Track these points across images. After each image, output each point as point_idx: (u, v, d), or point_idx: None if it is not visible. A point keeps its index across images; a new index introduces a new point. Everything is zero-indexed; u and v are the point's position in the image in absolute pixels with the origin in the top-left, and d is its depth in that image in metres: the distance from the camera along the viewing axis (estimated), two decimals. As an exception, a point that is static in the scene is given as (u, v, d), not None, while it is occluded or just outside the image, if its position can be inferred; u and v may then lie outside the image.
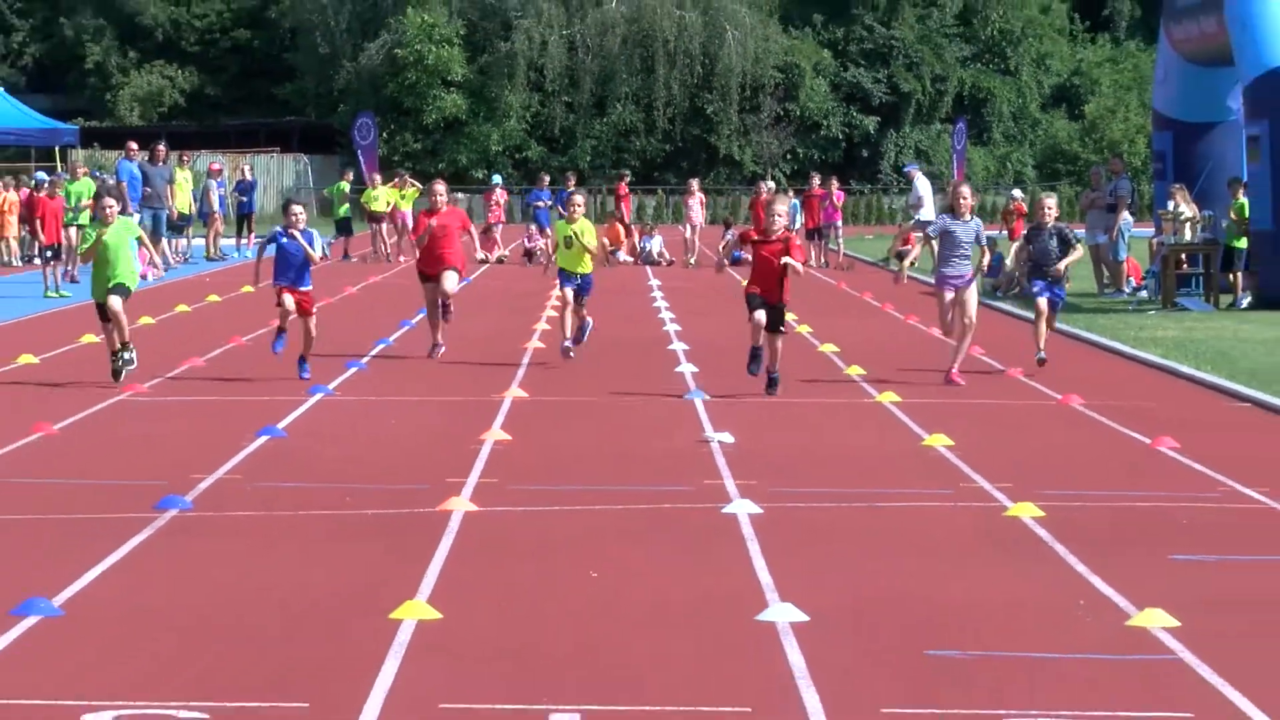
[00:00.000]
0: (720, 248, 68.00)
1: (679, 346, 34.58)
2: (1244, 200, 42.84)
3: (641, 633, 13.33)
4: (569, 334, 29.83)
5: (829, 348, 33.84)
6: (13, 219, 59.38)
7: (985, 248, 29.07)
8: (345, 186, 69.09)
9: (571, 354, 29.77)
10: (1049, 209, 30.08)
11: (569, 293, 29.65)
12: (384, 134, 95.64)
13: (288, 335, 28.15)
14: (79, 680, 11.86)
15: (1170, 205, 45.39)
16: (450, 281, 31.36)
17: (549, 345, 31.30)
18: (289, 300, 27.65)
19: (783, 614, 13.70)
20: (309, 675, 12.03)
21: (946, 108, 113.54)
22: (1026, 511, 17.80)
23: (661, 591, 14.70)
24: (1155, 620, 13.52)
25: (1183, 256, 44.85)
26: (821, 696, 11.59)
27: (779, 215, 26.54)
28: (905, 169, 74.12)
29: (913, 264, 37.54)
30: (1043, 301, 29.16)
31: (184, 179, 62.82)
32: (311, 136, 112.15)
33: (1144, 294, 46.18)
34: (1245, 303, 42.61)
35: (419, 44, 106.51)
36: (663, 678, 12.06)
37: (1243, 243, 43.15)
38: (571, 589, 14.77)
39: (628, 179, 71.67)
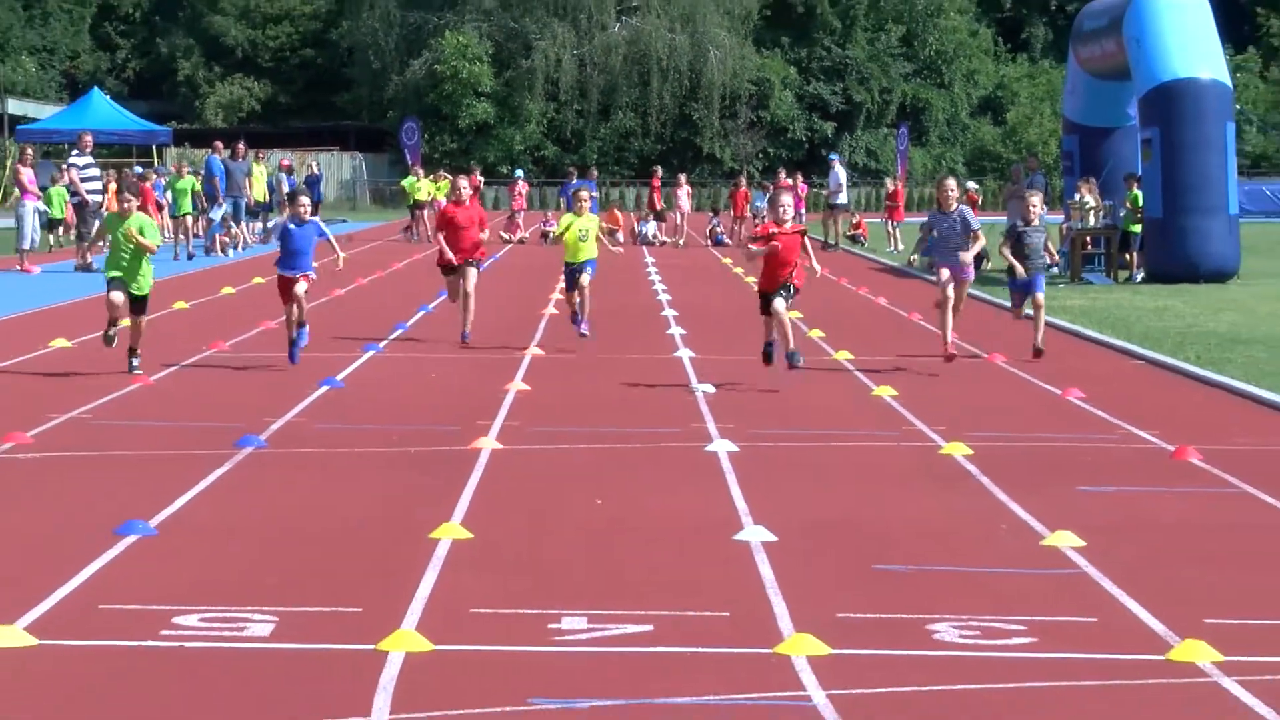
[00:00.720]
0: (707, 231, 68.25)
1: (669, 313, 34.56)
2: (1138, 193, 42.98)
3: (638, 549, 13.32)
4: (584, 315, 26.92)
5: (794, 314, 33.76)
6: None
7: (977, 233, 24.79)
8: (413, 179, 69.42)
9: (588, 334, 26.83)
10: (1035, 207, 26.02)
11: (574, 284, 26.90)
12: (426, 135, 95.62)
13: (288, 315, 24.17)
14: (170, 589, 11.85)
15: (1077, 196, 45.54)
16: (471, 281, 27.57)
17: (563, 312, 30.95)
18: (291, 310, 23.96)
19: (755, 534, 13.69)
20: (362, 585, 12.02)
21: (891, 115, 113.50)
22: (958, 450, 17.80)
23: (655, 515, 14.69)
24: (1065, 540, 13.51)
25: (1088, 239, 45.04)
26: (788, 603, 11.58)
27: (785, 205, 22.82)
28: (829, 157, 74.03)
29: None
30: (1040, 296, 25.38)
31: (260, 172, 63.22)
32: (365, 137, 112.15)
33: (1055, 270, 46.22)
34: (1139, 278, 42.71)
35: (455, 61, 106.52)
36: (656, 586, 12.05)
37: (1137, 228, 43.30)
38: (580, 513, 14.75)
39: (660, 173, 71.90)
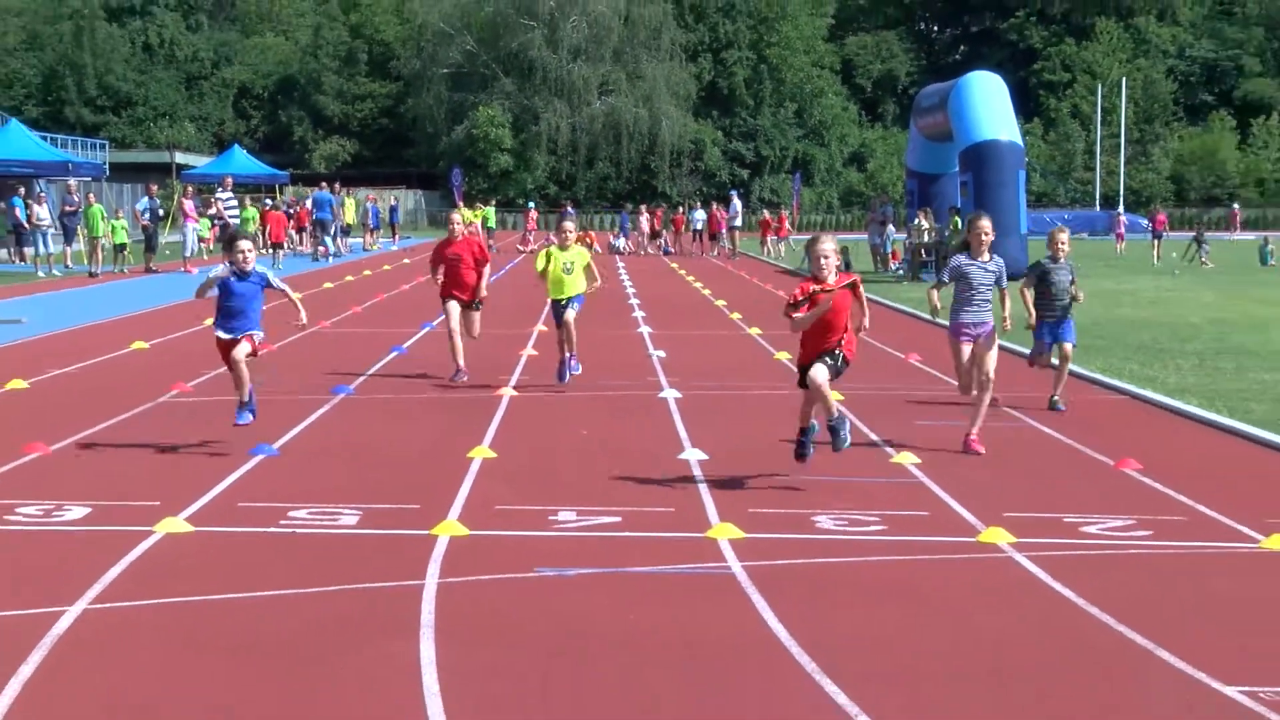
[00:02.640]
0: (659, 245, 68.23)
1: (634, 301, 34.54)
2: (958, 219, 43.01)
3: (610, 464, 13.30)
4: (571, 350, 18.86)
5: (720, 302, 33.78)
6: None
7: (1006, 290, 14.77)
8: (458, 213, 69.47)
9: (571, 376, 18.91)
10: (1063, 244, 16.65)
11: (560, 319, 18.74)
12: (466, 178, 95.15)
13: (238, 377, 14.16)
14: (287, 492, 11.84)
15: (916, 221, 45.66)
16: (475, 327, 19.71)
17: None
18: (241, 352, 14.04)
19: (693, 455, 13.68)
20: (420, 489, 12.00)
21: (788, 165, 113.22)
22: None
23: (623, 441, 14.68)
24: (907, 459, 13.53)
25: (922, 250, 45.05)
26: (715, 501, 11.60)
27: (827, 255, 12.24)
28: (730, 193, 76.06)
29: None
30: (1068, 346, 16.83)
31: (351, 204, 63.58)
32: (424, 180, 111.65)
33: (900, 271, 46.27)
34: (959, 277, 42.74)
35: (485, 127, 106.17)
36: (622, 490, 12.04)
37: (956, 242, 43.35)
38: (572, 441, 14.74)
39: (663, 209, 72.74)
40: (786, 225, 64.61)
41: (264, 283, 14.17)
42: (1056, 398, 16.93)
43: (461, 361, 19.24)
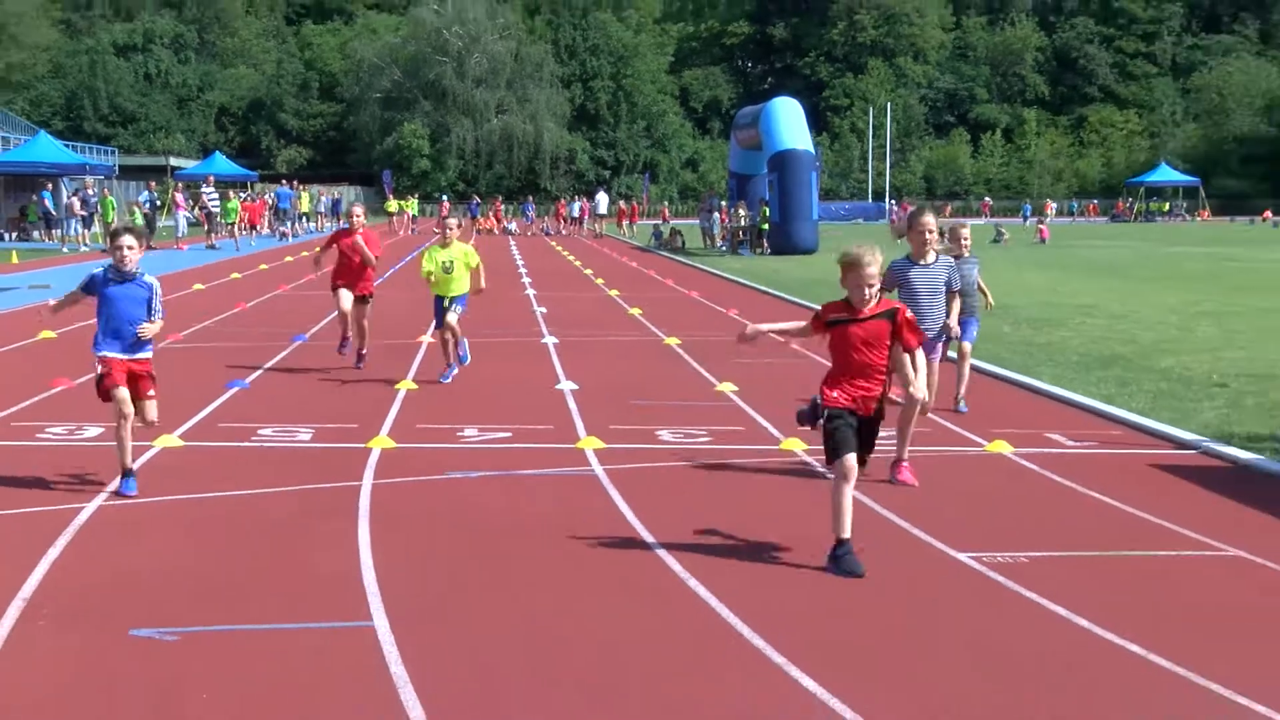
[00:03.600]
0: (542, 228, 68.00)
1: (523, 270, 34.36)
2: (766, 209, 43.29)
3: (504, 394, 13.26)
4: (450, 359, 14.00)
5: (588, 271, 33.67)
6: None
7: (956, 293, 9.97)
8: (389, 202, 68.99)
9: (463, 364, 14.35)
10: (965, 239, 11.69)
11: (445, 329, 13.99)
12: (395, 178, 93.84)
13: (125, 415, 8.46)
14: (258, 414, 11.69)
15: (735, 210, 45.76)
16: (364, 315, 15.10)
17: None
18: (123, 394, 8.43)
19: (567, 385, 13.68)
20: (358, 412, 11.90)
21: (640, 167, 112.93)
22: (674, 341, 17.85)
23: (513, 375, 14.62)
24: (728, 387, 13.62)
25: (740, 232, 45.23)
26: (583, 420, 11.60)
27: (870, 283, 7.24)
28: (598, 187, 76.62)
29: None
30: (967, 345, 12.04)
31: (306, 197, 62.54)
32: (362, 179, 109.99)
33: (723, 248, 46.45)
34: (767, 253, 42.93)
35: (409, 139, 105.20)
36: (512, 412, 12.01)
37: (766, 226, 43.58)
38: (474, 376, 14.64)
39: (564, 201, 72.58)
40: (667, 213, 64.75)
41: (149, 293, 8.66)
42: (960, 398, 12.33)
43: (351, 335, 15.14)
